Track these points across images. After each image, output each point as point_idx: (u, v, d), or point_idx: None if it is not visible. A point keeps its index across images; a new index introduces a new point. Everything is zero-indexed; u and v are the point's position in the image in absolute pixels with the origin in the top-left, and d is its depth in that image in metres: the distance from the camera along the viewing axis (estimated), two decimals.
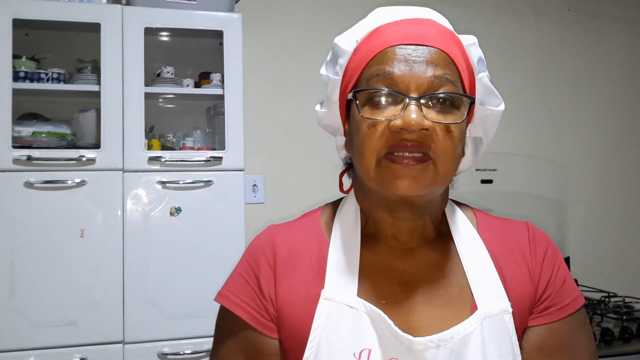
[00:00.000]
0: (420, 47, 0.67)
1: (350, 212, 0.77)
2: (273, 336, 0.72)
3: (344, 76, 0.73)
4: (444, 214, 0.78)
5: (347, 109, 0.74)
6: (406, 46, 0.67)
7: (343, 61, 0.73)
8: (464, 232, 0.76)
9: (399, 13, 0.72)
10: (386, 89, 0.66)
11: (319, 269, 0.72)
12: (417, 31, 0.69)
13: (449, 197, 0.80)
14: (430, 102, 0.66)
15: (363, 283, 0.71)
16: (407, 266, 0.73)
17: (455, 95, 0.67)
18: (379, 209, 0.74)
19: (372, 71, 0.68)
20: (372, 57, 0.69)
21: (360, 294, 0.70)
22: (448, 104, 0.66)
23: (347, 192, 0.81)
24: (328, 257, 0.73)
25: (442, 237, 0.76)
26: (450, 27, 0.74)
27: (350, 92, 0.71)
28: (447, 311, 0.69)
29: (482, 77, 0.73)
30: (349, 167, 0.81)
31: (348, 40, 0.73)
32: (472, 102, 0.69)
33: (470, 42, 0.73)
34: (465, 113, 0.67)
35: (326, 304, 0.69)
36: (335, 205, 0.81)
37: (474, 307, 0.70)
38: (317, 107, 0.80)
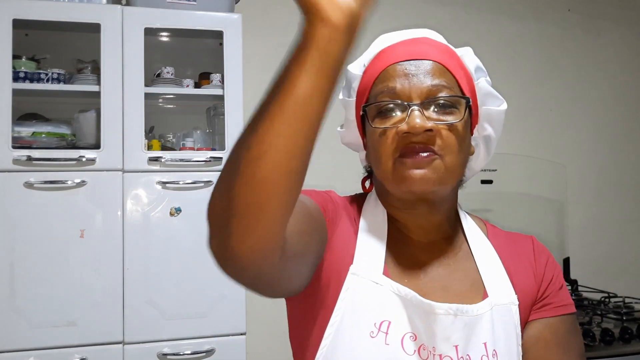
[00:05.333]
0: (417, 61, 0.76)
1: (378, 204, 0.83)
2: (327, 229, 0.75)
3: (356, 97, 0.82)
4: (458, 217, 0.85)
5: (363, 125, 0.81)
6: (405, 62, 0.76)
7: (355, 84, 0.82)
8: (476, 235, 0.84)
9: (398, 36, 0.81)
10: (390, 100, 0.75)
11: (350, 246, 0.78)
12: (414, 49, 0.78)
13: (462, 209, 0.87)
14: (431, 107, 0.74)
15: (388, 266, 0.77)
16: (427, 258, 0.80)
17: (451, 97, 0.75)
18: (399, 210, 0.81)
19: (378, 88, 0.77)
20: (376, 76, 0.78)
21: (385, 274, 0.76)
22: (448, 107, 0.75)
23: (369, 190, 0.88)
24: (358, 237, 0.79)
25: (457, 235, 0.83)
26: (445, 42, 0.82)
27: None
28: (461, 297, 0.76)
29: (480, 82, 0.80)
30: (370, 174, 0.88)
31: (357, 66, 0.82)
32: (468, 102, 0.76)
33: (464, 53, 0.81)
34: (464, 112, 0.75)
35: (353, 279, 0.75)
36: (362, 197, 0.87)
37: (485, 296, 0.77)
38: (338, 128, 0.88)
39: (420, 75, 0.75)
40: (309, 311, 0.77)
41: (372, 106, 0.76)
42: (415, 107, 0.72)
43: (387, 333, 0.72)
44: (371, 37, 0.83)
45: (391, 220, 0.81)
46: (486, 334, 0.74)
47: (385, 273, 0.76)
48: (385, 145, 0.74)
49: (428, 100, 0.74)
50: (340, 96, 0.86)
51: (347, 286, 0.74)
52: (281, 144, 0.51)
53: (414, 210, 0.79)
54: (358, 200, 0.85)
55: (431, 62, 0.76)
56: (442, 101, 0.74)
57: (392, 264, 0.78)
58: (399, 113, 0.74)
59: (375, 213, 0.82)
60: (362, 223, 0.81)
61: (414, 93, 0.74)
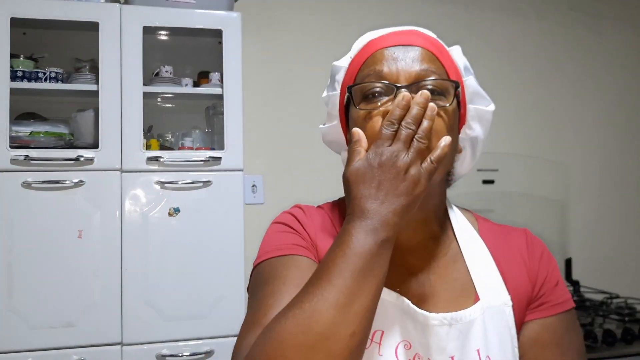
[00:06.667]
0: (406, 47, 0.73)
1: None
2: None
3: (341, 88, 0.78)
4: (447, 215, 0.82)
5: (347, 119, 0.78)
6: (392, 47, 0.73)
7: (340, 77, 0.79)
8: (466, 233, 0.81)
9: (387, 29, 0.78)
10: (377, 82, 0.71)
11: None
12: (402, 37, 0.75)
13: (453, 204, 0.84)
14: (419, 92, 0.71)
15: None
16: (415, 260, 0.77)
17: (441, 82, 0.72)
18: None
19: (365, 72, 0.74)
20: (363, 62, 0.75)
21: None
22: (436, 94, 0.71)
23: None
24: None
25: (445, 234, 0.80)
26: (435, 37, 0.80)
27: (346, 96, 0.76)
28: (452, 302, 0.74)
29: (469, 80, 0.77)
30: None
31: (343, 60, 0.80)
32: (457, 87, 0.73)
33: (453, 50, 0.79)
34: (452, 98, 0.72)
35: None
36: (339, 203, 0.84)
37: (476, 299, 0.74)
38: (321, 126, 0.85)
39: (409, 59, 0.72)
40: None
41: (358, 89, 0.73)
42: (403, 90, 0.69)
43: (380, 343, 0.70)
44: (364, 24, 0.81)
45: None
46: (478, 340, 0.71)
47: None
48: (370, 130, 0.69)
49: (416, 83, 0.70)
50: (325, 93, 0.82)
51: None
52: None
53: None
54: (340, 206, 0.82)
55: (420, 48, 0.73)
56: (430, 86, 0.71)
57: None
58: (385, 97, 0.71)
59: None
60: None
61: (401, 76, 0.71)
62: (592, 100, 2.93)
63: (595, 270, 2.71)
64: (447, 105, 0.71)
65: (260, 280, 0.73)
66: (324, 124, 0.84)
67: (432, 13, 2.64)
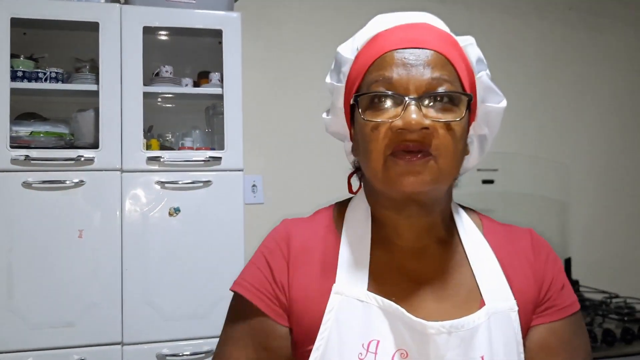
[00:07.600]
0: (416, 50, 0.70)
1: (361, 210, 0.79)
2: (283, 323, 0.74)
3: (347, 83, 0.76)
4: (451, 216, 0.80)
5: (352, 114, 0.76)
6: (403, 50, 0.70)
7: (346, 69, 0.76)
8: (471, 235, 0.79)
9: (396, 19, 0.75)
10: (386, 92, 0.68)
11: (331, 264, 0.74)
12: (414, 35, 0.71)
13: (456, 202, 0.82)
14: (429, 102, 0.68)
15: (373, 280, 0.73)
16: (417, 265, 0.75)
17: (453, 94, 0.69)
18: (387, 209, 0.76)
19: (372, 77, 0.70)
20: (371, 63, 0.71)
21: (370, 289, 0.72)
22: (447, 103, 0.69)
23: (356, 192, 0.83)
24: (339, 252, 0.75)
25: (451, 238, 0.78)
26: (447, 30, 0.77)
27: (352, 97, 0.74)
28: (456, 308, 0.72)
29: (482, 76, 0.75)
30: (357, 169, 0.83)
31: (349, 49, 0.77)
32: (470, 100, 0.70)
33: (467, 43, 0.75)
34: (464, 110, 0.69)
35: (337, 298, 0.71)
36: (345, 204, 0.83)
37: (482, 304, 0.72)
38: (324, 115, 0.83)
39: (420, 66, 0.68)
40: (294, 339, 0.74)
41: (365, 96, 0.70)
42: (412, 102, 0.66)
43: (376, 353, 0.68)
44: (366, 23, 0.78)
45: (379, 226, 0.76)
46: (483, 346, 0.69)
47: (370, 289, 0.71)
48: (376, 141, 0.68)
49: (426, 94, 0.67)
50: (328, 79, 0.80)
51: (331, 307, 0.71)
52: None
53: (404, 211, 0.74)
54: (341, 209, 0.81)
55: (432, 52, 0.69)
56: (441, 96, 0.68)
57: (378, 277, 0.73)
58: (393, 106, 0.68)
59: (359, 221, 0.77)
60: (345, 235, 0.76)
61: (412, 85, 0.67)
62: (593, 100, 2.93)
63: (595, 270, 2.70)
64: (458, 119, 0.68)
65: (227, 315, 0.79)
66: (327, 113, 0.82)
67: (431, 12, 2.64)
